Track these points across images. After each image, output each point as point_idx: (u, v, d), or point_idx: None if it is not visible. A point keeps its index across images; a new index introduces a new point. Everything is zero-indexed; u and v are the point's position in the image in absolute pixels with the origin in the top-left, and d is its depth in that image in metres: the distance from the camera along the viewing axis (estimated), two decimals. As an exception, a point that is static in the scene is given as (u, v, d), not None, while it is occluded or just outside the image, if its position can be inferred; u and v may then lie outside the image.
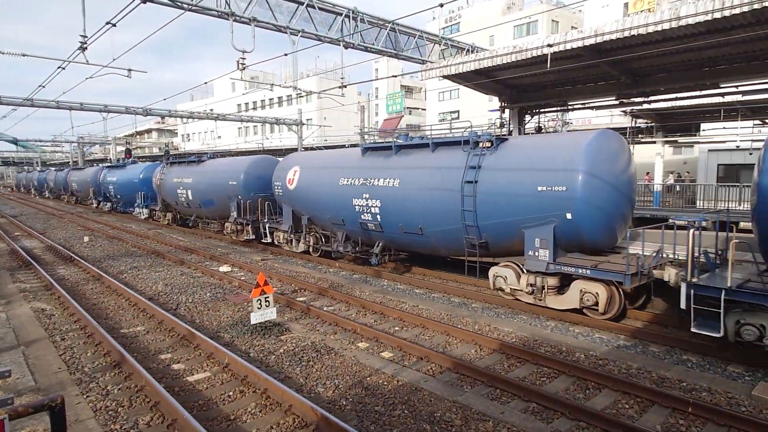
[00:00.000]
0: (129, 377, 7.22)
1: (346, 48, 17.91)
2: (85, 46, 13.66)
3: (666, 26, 11.26)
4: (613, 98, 16.86)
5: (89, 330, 9.24)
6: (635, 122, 22.97)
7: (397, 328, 9.52)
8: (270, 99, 66.31)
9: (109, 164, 36.71)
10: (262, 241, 18.79)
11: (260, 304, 9.02)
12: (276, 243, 18.28)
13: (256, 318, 8.96)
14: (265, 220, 18.78)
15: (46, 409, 3.36)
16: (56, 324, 9.78)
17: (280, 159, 19.63)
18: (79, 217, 32.35)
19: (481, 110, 47.81)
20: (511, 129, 19.00)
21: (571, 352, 8.21)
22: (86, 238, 21.36)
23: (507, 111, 18.98)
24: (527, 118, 19.31)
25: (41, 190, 57.37)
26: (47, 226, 26.77)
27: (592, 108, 18.22)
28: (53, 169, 50.01)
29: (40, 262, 16.27)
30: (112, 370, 7.54)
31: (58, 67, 15.40)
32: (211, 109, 53.65)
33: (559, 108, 19.02)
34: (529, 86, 17.71)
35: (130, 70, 19.30)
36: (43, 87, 18.54)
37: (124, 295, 11.85)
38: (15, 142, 73.10)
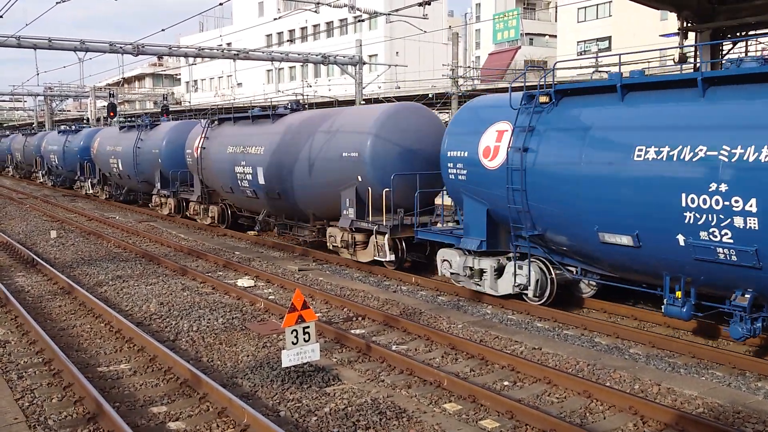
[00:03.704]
0: (108, 438, 7.64)
1: (430, -58, 17.77)
2: (52, -46, 14.59)
3: None
4: None
5: (55, 366, 9.87)
6: None
7: (506, 383, 9.41)
8: (315, 26, 67.70)
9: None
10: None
11: (296, 337, 9.19)
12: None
13: (290, 358, 9.14)
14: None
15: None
16: (12, 355, 10.54)
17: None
18: (44, 202, 34.93)
19: (647, 35, 45.62)
20: (698, 64, 17.99)
21: (800, 436, 7.67)
22: (54, 233, 23.02)
23: (692, 35, 17.99)
24: (725, 46, 18.18)
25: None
26: (2, 215, 29.16)
27: None
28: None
29: (-7, 266, 17.75)
30: (85, 426, 8.00)
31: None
32: (229, 44, 55.76)
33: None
34: (731, -7, 16.65)
35: (114, -13, 20.48)
36: (0, 17, 20.12)
37: (104, 317, 12.58)
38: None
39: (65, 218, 27.89)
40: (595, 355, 10.48)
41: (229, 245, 21.18)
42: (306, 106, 22.32)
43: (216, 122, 23.34)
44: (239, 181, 21.02)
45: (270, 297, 14.31)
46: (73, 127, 42.63)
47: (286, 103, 21.52)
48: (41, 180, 48.04)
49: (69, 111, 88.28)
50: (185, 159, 25.42)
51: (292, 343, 9.15)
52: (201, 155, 23.14)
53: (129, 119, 38.04)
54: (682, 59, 18.13)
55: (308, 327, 9.27)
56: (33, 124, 68.52)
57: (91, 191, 37.27)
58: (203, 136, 23.16)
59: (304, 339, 9.24)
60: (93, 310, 13.17)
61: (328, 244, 18.06)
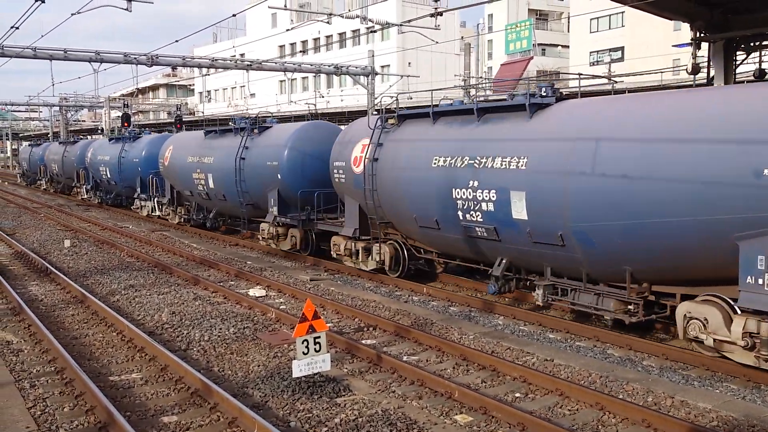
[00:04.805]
0: (119, 447, 7.66)
1: (442, -47, 17.84)
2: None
3: None
4: None
5: (67, 375, 9.93)
6: None
7: (518, 395, 9.37)
8: (327, 37, 68.08)
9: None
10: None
11: (307, 347, 9.19)
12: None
13: (300, 368, 9.14)
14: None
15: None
16: (25, 364, 10.64)
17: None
18: (59, 212, 35.21)
19: (660, 45, 45.57)
20: (712, 75, 17.92)
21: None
22: (67, 243, 23.19)
23: (705, 46, 17.94)
24: (739, 56, 18.10)
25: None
26: (17, 225, 29.43)
27: None
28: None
29: (7, 275, 17.87)
30: (96, 435, 8.05)
31: (37, 0, 16.79)
32: (242, 55, 56.15)
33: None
34: (745, 2, 16.61)
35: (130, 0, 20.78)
36: (17, 29, 20.37)
37: (116, 326, 12.64)
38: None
39: (79, 227, 28.08)
40: (607, 367, 10.40)
41: (241, 255, 21.22)
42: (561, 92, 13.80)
43: (395, 121, 16.32)
44: (460, 213, 13.70)
45: (281, 307, 14.32)
46: (126, 134, 35.80)
47: (539, 88, 13.51)
48: (85, 196, 40.49)
49: (84, 121, 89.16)
50: (329, 175, 18.21)
51: (303, 353, 9.15)
52: (372, 171, 16.03)
53: (201, 127, 28.89)
54: (695, 70, 18.07)
55: (319, 337, 9.27)
56: (48, 134, 69.16)
57: (156, 213, 30.06)
58: (373, 142, 16.18)
59: (315, 349, 9.23)
60: (105, 319, 13.23)
61: (689, 332, 10.41)
